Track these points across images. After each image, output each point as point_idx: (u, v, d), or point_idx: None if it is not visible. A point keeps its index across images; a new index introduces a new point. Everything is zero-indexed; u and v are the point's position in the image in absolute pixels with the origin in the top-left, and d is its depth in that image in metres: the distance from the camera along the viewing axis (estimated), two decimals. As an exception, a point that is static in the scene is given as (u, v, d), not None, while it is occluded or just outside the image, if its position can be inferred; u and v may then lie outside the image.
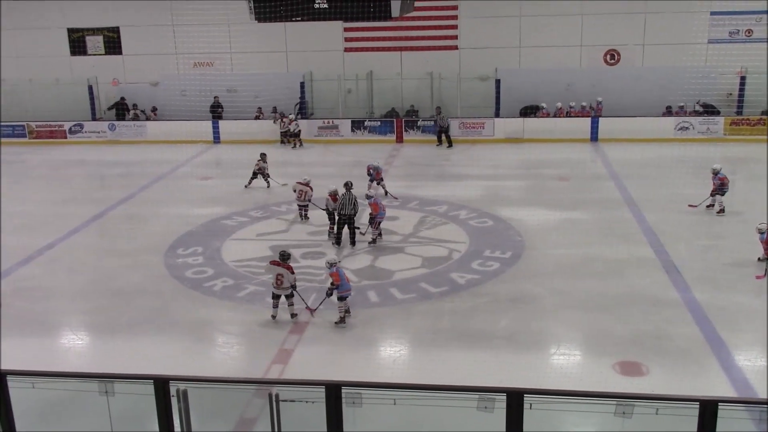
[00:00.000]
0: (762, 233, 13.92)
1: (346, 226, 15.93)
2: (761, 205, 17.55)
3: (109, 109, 30.06)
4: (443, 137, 26.55)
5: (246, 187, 20.94)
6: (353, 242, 15.94)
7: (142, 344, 11.82)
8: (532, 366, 10.92)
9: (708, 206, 17.61)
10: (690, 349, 11.13)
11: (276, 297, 12.44)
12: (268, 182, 21.00)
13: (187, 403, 6.67)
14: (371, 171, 19.52)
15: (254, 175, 20.94)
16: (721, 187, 17.31)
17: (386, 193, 19.36)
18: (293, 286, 12.39)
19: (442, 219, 17.82)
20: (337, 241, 15.94)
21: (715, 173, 17.35)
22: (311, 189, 17.56)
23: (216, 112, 28.98)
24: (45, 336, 12.26)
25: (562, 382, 10.22)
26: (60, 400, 7.74)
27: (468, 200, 19.10)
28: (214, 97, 29.15)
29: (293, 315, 12.46)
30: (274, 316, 12.49)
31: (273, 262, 12.52)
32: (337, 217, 16.02)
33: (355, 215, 15.94)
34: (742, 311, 12.39)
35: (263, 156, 21.21)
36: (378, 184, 19.41)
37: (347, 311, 12.28)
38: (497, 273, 14.31)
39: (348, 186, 16.18)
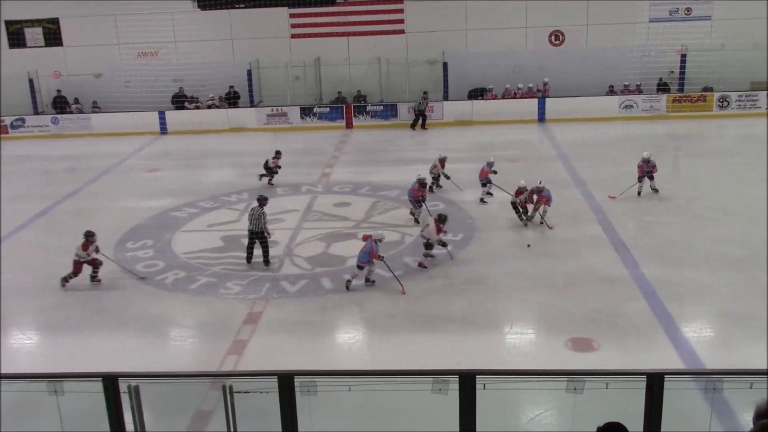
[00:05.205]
0: (646, 162, 16.01)
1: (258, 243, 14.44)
2: (704, 180, 17.98)
3: (54, 105, 29.34)
4: (419, 120, 26.67)
5: (269, 183, 19.78)
6: (267, 261, 14.35)
7: (94, 342, 11.64)
8: (488, 346, 11.05)
9: (639, 193, 17.46)
10: (640, 323, 11.38)
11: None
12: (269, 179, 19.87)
13: (139, 399, 6.57)
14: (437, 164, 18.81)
15: (269, 172, 19.78)
16: (649, 173, 17.44)
17: (439, 180, 18.91)
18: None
19: (394, 203, 17.86)
20: (248, 259, 14.42)
21: (646, 161, 17.36)
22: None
23: (180, 102, 28.48)
24: (-8, 337, 11.98)
25: (517, 361, 10.41)
26: (9, 401, 7.58)
27: (419, 184, 19.10)
28: (179, 87, 28.67)
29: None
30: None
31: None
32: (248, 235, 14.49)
33: (261, 233, 14.26)
34: (688, 285, 12.71)
35: (278, 153, 19.94)
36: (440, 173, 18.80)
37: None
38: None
39: (262, 202, 14.55)
